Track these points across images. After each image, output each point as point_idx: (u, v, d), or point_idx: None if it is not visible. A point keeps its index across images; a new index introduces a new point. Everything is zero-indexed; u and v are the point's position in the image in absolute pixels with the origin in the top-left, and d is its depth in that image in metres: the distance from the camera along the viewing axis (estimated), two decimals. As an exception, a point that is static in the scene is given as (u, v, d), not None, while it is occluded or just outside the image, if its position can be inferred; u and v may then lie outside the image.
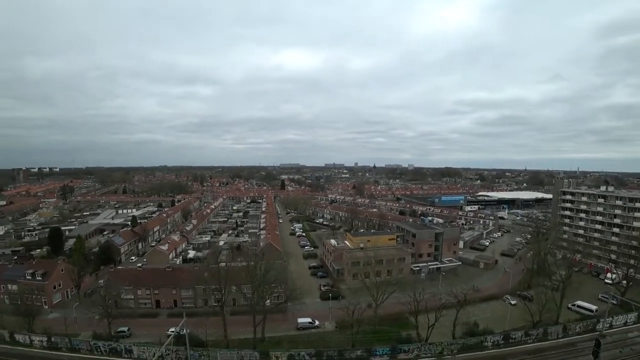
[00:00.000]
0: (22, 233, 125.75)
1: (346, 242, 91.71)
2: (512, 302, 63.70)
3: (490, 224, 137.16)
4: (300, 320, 56.27)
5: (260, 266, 52.51)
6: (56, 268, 69.91)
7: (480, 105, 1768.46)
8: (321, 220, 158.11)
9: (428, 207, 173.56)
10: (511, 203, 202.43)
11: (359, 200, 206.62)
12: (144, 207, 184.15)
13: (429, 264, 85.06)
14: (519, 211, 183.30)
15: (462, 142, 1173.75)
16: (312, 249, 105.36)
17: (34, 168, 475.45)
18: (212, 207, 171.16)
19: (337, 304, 61.42)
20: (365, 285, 56.55)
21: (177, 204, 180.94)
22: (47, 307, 64.74)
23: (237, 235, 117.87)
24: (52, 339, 48.83)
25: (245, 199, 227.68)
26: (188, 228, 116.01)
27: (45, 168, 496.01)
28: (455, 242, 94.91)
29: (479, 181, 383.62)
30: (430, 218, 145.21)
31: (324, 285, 74.01)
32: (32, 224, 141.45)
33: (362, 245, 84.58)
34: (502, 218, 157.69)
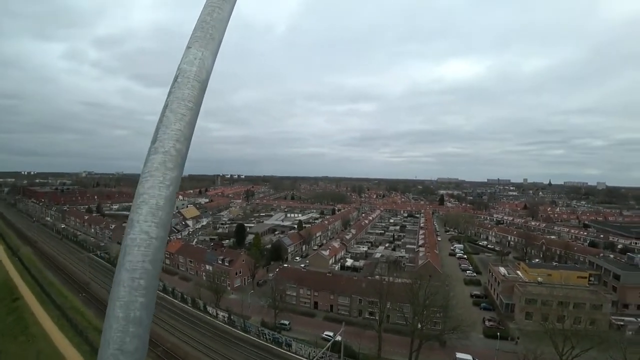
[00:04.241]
0: (217, 225, 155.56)
1: (518, 272, 79.60)
2: None
3: None
4: (459, 355, 50.64)
5: (426, 288, 49.91)
6: (239, 258, 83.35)
7: None
8: (485, 242, 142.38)
9: (633, 241, 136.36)
10: None
11: (532, 223, 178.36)
12: (308, 213, 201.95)
13: (640, 318, 65.77)
14: None
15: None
16: (475, 274, 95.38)
17: (228, 175, 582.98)
18: (370, 218, 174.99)
19: (505, 346, 53.46)
20: (547, 330, 47.17)
21: (337, 213, 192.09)
22: (229, 288, 77.02)
23: (393, 249, 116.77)
24: (232, 317, 58.71)
25: (402, 212, 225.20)
26: (347, 237, 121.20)
27: (235, 175, 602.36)
28: (682, 294, 71.12)
29: None
30: None
31: (489, 320, 65.37)
32: (224, 219, 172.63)
33: (540, 279, 71.83)
34: None
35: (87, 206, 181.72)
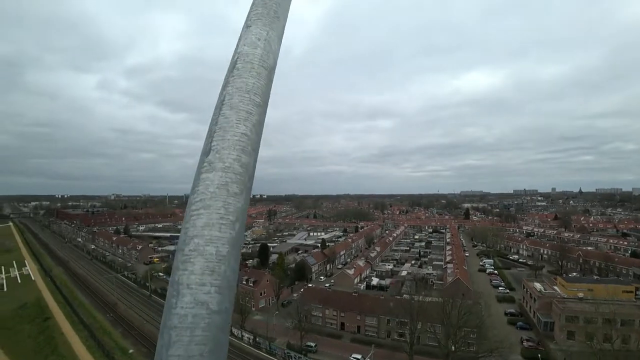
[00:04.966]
0: (241, 245, 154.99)
1: (555, 287, 75.29)
2: None
3: None
4: (497, 378, 47.80)
5: (459, 307, 47.58)
6: (263, 278, 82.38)
7: None
8: (516, 256, 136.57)
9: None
10: None
11: (565, 234, 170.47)
12: (331, 232, 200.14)
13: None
14: None
15: None
16: (508, 291, 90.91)
17: (251, 195, 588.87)
18: (394, 235, 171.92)
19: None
20: (595, 351, 43.65)
21: (360, 230, 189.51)
22: (254, 309, 75.56)
23: (420, 266, 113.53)
24: (257, 339, 57.78)
25: (426, 228, 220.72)
26: (372, 255, 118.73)
27: (257, 194, 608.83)
28: None
29: None
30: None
31: (527, 340, 61.45)
32: (247, 239, 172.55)
33: (580, 294, 67.53)
34: None
35: (115, 227, 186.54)
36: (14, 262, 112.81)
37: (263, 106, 1.53)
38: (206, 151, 1.33)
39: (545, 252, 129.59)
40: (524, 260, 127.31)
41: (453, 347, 46.02)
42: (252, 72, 1.54)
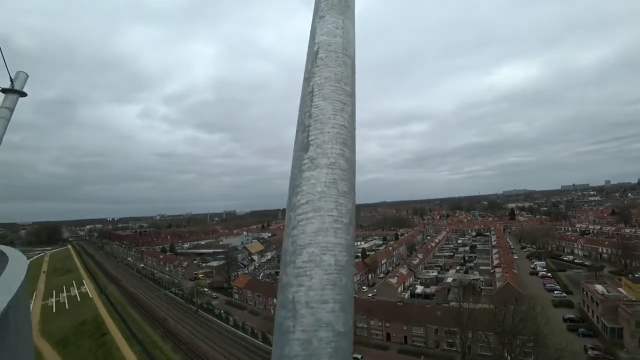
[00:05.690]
0: (279, 259, 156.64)
1: (620, 289, 69.40)
2: None
3: None
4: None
5: (513, 314, 45.02)
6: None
7: None
8: (570, 257, 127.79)
9: None
10: None
11: (626, 230, 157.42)
12: (371, 240, 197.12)
13: None
14: None
15: None
16: (564, 295, 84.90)
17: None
18: (436, 240, 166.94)
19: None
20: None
21: (401, 238, 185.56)
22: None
23: (465, 272, 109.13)
24: None
25: (469, 231, 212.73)
26: (414, 262, 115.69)
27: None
28: None
29: None
30: None
31: (592, 349, 56.65)
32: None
33: (650, 296, 61.87)
34: None
35: (161, 246, 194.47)
36: (74, 281, 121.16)
37: (353, 96, 1.39)
38: (304, 147, 1.17)
39: (605, 250, 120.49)
40: (580, 261, 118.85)
41: (509, 357, 43.38)
42: (338, 61, 1.41)
